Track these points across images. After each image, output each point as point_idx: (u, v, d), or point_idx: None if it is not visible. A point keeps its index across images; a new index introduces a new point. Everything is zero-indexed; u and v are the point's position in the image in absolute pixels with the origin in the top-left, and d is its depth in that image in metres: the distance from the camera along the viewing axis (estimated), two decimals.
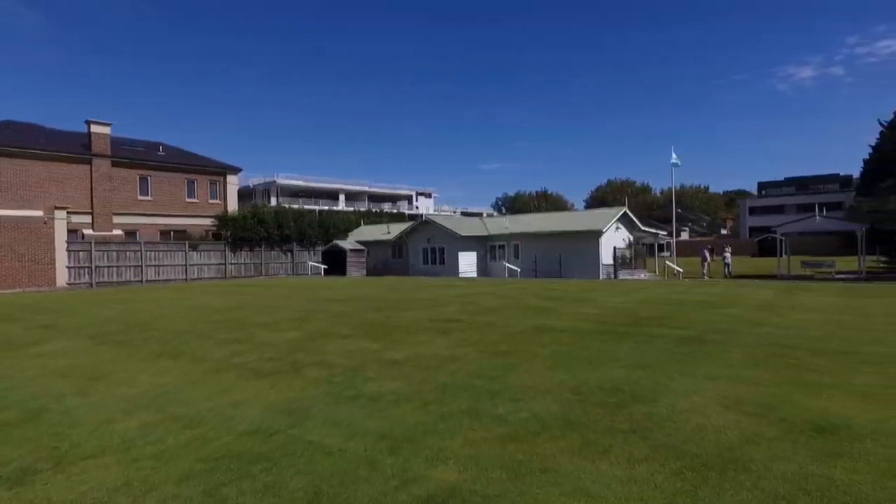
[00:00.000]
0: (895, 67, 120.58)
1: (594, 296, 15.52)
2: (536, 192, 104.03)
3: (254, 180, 70.72)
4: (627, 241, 30.96)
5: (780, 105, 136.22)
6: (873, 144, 66.58)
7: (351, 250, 36.08)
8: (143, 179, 33.88)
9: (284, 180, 69.65)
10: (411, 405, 5.01)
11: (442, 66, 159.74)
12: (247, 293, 19.69)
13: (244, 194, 65.28)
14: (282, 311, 13.31)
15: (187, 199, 36.10)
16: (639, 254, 31.35)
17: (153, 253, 30.21)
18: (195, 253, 32.14)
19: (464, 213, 79.72)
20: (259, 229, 34.92)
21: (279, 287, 23.08)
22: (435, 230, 33.58)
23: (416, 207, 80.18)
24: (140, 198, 33.60)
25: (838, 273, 27.14)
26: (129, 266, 29.14)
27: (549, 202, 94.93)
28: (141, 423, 4.66)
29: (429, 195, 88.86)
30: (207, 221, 35.67)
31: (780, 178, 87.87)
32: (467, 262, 32.35)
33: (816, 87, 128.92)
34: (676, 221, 43.12)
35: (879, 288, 17.46)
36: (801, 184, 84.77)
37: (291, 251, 37.42)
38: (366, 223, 44.88)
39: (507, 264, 30.73)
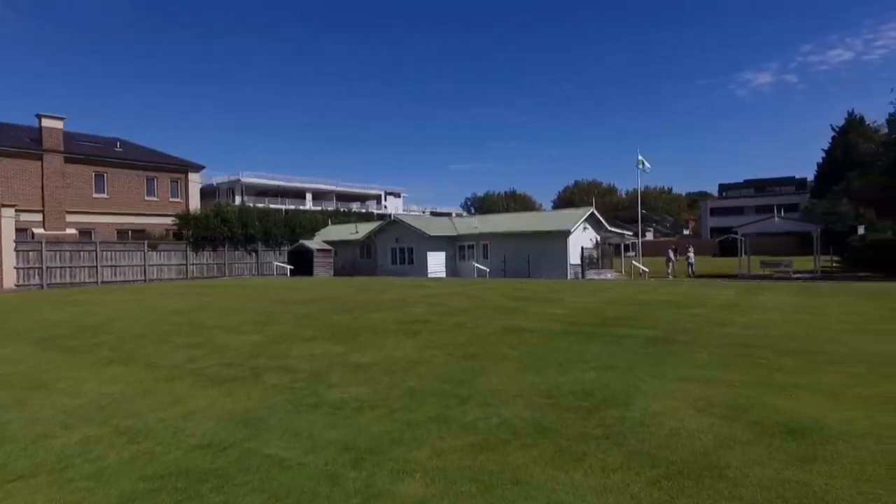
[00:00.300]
0: (845, 76, 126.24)
1: (562, 296, 15.53)
2: (505, 193, 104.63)
3: (218, 179, 69.00)
4: (595, 241, 31.29)
5: (739, 109, 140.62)
6: (826, 149, 69.66)
7: (318, 250, 35.46)
8: (99, 176, 32.48)
9: (249, 179, 68.16)
10: (376, 413, 4.78)
11: (413, 66, 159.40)
12: (208, 294, 19.03)
13: (207, 193, 63.55)
14: (244, 312, 12.85)
15: (146, 198, 34.82)
16: (605, 254, 31.74)
17: (109, 253, 28.99)
18: (155, 253, 31.02)
19: (433, 213, 79.59)
20: (222, 228, 33.96)
21: (243, 288, 22.43)
22: (403, 230, 33.28)
23: (385, 207, 79.58)
24: (96, 195, 32.21)
25: (795, 272, 28.04)
26: (84, 267, 27.88)
27: (517, 202, 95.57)
28: (81, 438, 4.30)
29: (398, 195, 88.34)
30: (168, 220, 34.47)
31: (740, 180, 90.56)
32: (436, 263, 32.17)
33: (773, 92, 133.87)
34: (641, 222, 44.03)
35: (834, 287, 18.04)
36: (759, 186, 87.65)
37: (256, 251, 36.56)
38: (333, 223, 44.23)
39: (476, 264, 30.68)
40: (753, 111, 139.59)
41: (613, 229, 34.21)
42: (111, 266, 28.91)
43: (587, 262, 28.85)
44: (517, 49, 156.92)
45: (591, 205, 32.52)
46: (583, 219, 29.94)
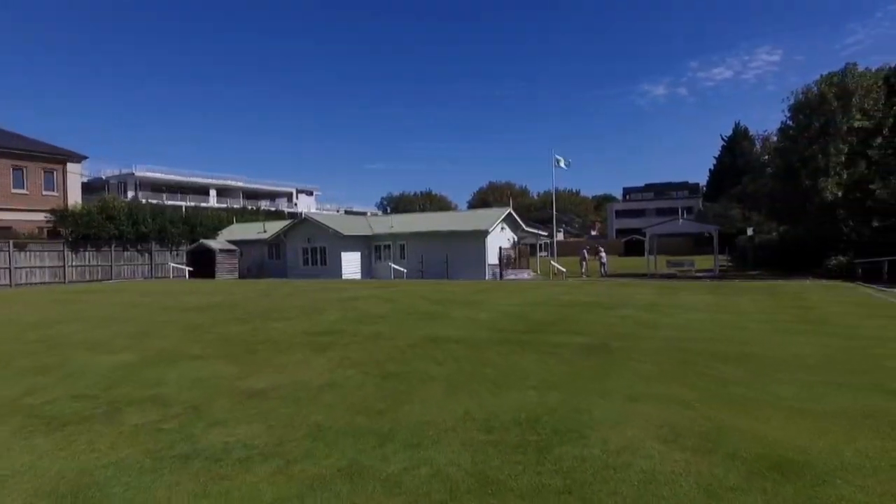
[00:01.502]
0: (726, 91, 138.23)
1: (484, 297, 14.86)
2: (421, 193, 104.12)
3: (108, 172, 62.66)
4: (512, 240, 31.24)
5: (640, 117, 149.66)
6: (717, 156, 75.45)
7: (220, 250, 32.68)
8: None
9: (144, 172, 62.39)
10: (269, 466, 3.61)
11: (328, 64, 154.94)
12: (84, 301, 16.48)
13: (95, 187, 57.45)
14: (122, 323, 10.94)
15: (13, 190, 30.38)
16: (523, 254, 31.79)
17: None
18: (22, 253, 26.99)
19: (347, 212, 77.18)
20: (108, 226, 30.29)
21: (129, 292, 19.81)
22: (316, 229, 31.41)
23: (297, 206, 76.08)
24: None
25: (698, 271, 29.56)
26: None
27: (433, 203, 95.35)
28: None
29: (310, 193, 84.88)
30: (41, 217, 30.24)
31: (642, 184, 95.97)
32: (351, 264, 30.69)
33: (668, 103, 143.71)
34: (552, 223, 45.00)
35: (738, 286, 18.82)
36: (659, 190, 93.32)
37: (150, 252, 33.09)
38: (240, 221, 41.27)
39: (393, 265, 29.56)
40: (652, 120, 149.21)
41: (529, 229, 34.43)
42: None
43: (505, 262, 28.66)
44: (433, 51, 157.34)
45: (508, 205, 32.47)
46: (500, 219, 29.75)
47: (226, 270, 32.75)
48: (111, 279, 30.40)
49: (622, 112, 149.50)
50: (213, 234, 36.33)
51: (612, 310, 11.67)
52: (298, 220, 32.82)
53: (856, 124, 21.00)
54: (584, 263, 30.76)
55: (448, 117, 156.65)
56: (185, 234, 34.73)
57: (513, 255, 30.19)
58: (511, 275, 28.35)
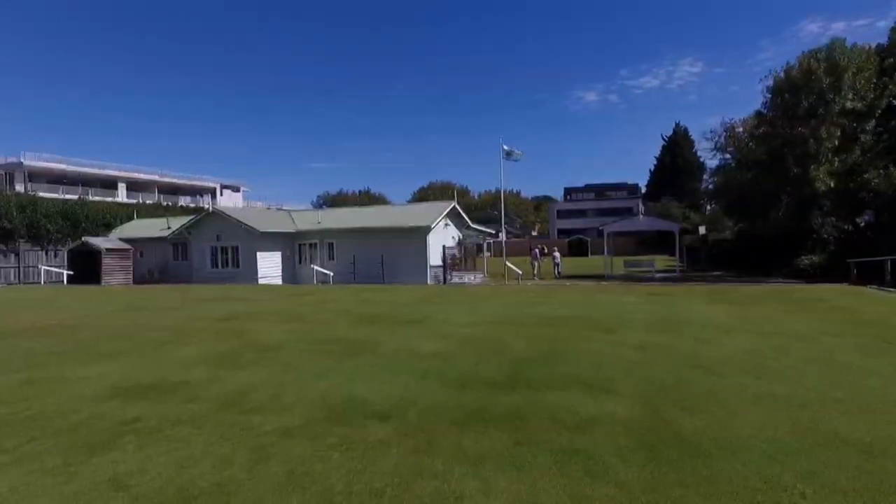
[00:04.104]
0: (654, 99, 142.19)
1: (431, 311, 11.07)
2: (359, 192, 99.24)
3: None
4: (457, 239, 27.65)
5: (575, 121, 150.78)
6: (657, 156, 75.36)
7: (109, 250, 27.06)
8: None
9: (36, 162, 54.23)
10: None
11: (263, 58, 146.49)
12: None
13: None
14: None
15: None
16: (469, 254, 28.21)
17: None
18: None
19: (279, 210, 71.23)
20: None
21: None
22: (226, 225, 26.38)
23: (221, 203, 69.37)
24: None
25: (657, 272, 27.17)
26: None
27: (372, 202, 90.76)
28: None
29: (237, 189, 78.01)
30: None
31: (582, 185, 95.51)
32: (269, 266, 26.05)
33: (600, 108, 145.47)
34: (494, 223, 41.60)
35: (739, 292, 15.87)
36: (599, 191, 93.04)
37: (17, 252, 27.04)
38: (155, 218, 35.34)
39: (316, 267, 25.16)
40: (586, 123, 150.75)
41: (477, 226, 30.94)
42: None
43: (450, 263, 24.99)
44: (374, 51, 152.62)
45: (452, 199, 28.86)
46: (444, 213, 26.06)
47: (116, 274, 27.24)
48: None
49: (557, 117, 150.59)
50: (103, 231, 30.56)
51: (613, 332, 8.13)
52: (205, 214, 27.51)
53: (848, 105, 18.82)
54: (536, 264, 27.67)
55: (389, 116, 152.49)
56: (68, 231, 28.84)
57: (458, 256, 26.55)
58: (457, 278, 24.71)
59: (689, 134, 71.02)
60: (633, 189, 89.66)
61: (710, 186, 31.05)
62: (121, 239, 29.90)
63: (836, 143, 18.60)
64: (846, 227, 20.26)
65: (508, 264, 23.65)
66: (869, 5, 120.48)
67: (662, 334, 7.79)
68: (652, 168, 76.38)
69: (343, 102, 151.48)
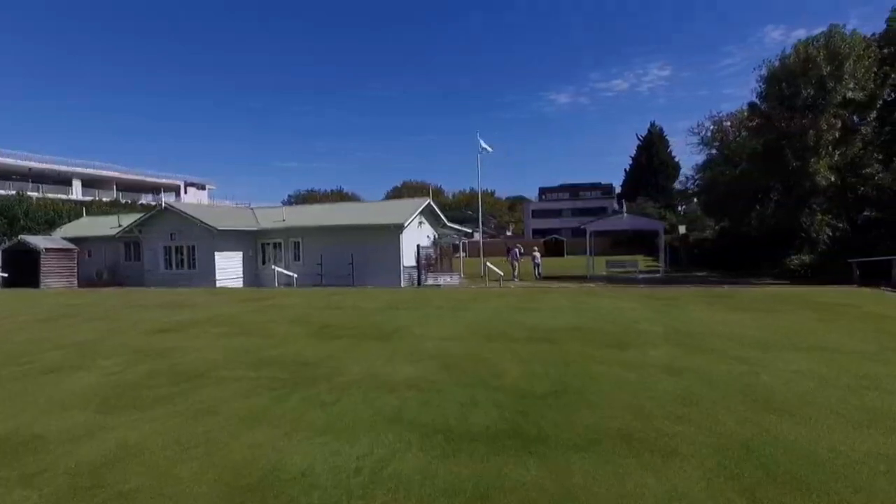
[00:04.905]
0: (624, 102, 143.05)
1: (404, 320, 9.43)
2: (331, 191, 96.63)
3: None
4: (432, 238, 26.05)
5: (548, 123, 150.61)
6: (633, 156, 74.99)
7: (49, 250, 24.65)
8: None
9: None
10: None
11: (230, 56, 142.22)
12: None
13: None
14: None
15: None
16: (445, 254, 26.61)
17: None
18: None
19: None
20: None
21: None
22: (181, 222, 24.18)
23: (185, 200, 66.22)
24: None
25: (640, 273, 26.08)
26: None
27: (344, 201, 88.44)
28: None
29: (202, 187, 74.76)
30: None
31: (557, 184, 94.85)
32: (228, 267, 24.00)
33: (571, 110, 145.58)
34: (468, 223, 40.24)
35: (745, 296, 14.49)
36: (574, 191, 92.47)
37: None
38: (101, 215, 32.75)
39: (278, 268, 23.19)
40: (559, 125, 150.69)
41: (453, 225, 29.38)
42: None
43: (425, 263, 23.38)
44: (347, 50, 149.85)
45: (427, 195, 27.24)
46: (418, 211, 24.43)
47: (58, 276, 24.84)
48: None
49: (529, 118, 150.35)
50: (46, 229, 27.97)
51: (628, 349, 6.62)
52: (157, 211, 25.17)
53: (849, 95, 17.84)
54: (515, 265, 26.27)
55: (363, 116, 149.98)
56: (3, 228, 26.20)
57: (434, 256, 24.94)
58: (432, 279, 23.11)
59: (665, 134, 70.81)
60: (607, 189, 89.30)
61: (692, 185, 30.00)
62: (66, 238, 27.44)
63: (837, 135, 17.61)
64: (841, 224, 19.34)
65: (489, 265, 22.10)
66: (827, 13, 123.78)
67: (691, 352, 6.31)
68: (627, 168, 75.91)
69: (316, 101, 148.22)
